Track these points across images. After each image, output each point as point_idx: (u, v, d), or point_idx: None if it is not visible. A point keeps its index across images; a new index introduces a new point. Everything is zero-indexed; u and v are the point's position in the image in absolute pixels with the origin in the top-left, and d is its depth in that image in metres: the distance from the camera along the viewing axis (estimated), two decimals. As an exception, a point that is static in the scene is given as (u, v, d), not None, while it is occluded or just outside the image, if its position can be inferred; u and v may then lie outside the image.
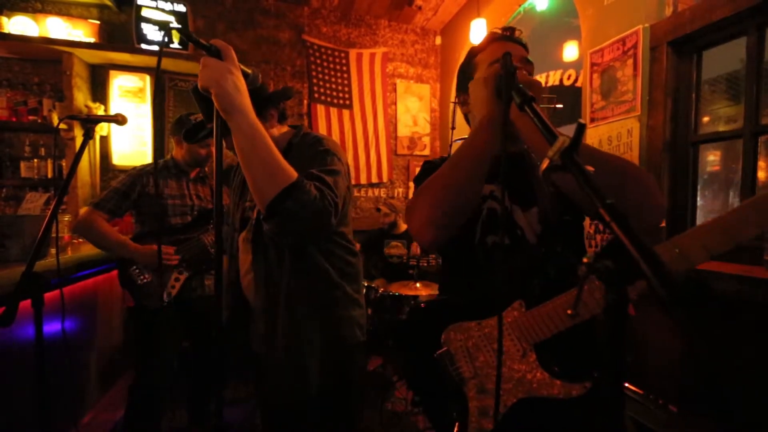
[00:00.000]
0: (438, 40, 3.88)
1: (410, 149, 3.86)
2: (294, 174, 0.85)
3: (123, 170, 2.86)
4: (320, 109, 3.47)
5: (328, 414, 1.11)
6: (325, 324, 1.07)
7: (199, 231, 1.79)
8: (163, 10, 2.79)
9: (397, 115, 3.79)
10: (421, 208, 0.78)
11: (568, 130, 0.47)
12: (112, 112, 2.87)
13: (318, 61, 3.46)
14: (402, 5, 3.44)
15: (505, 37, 0.87)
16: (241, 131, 0.79)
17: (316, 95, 3.46)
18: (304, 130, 1.13)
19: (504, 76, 0.59)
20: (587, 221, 1.98)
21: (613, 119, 1.94)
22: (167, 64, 2.94)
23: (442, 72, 3.91)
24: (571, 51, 3.18)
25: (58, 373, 1.57)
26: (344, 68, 3.55)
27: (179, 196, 1.80)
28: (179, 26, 0.70)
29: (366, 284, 2.41)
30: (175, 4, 2.83)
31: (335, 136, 3.49)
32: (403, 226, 2.99)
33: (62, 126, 1.50)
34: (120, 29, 2.90)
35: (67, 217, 2.43)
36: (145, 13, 2.74)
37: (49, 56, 2.69)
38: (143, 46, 2.75)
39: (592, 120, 2.05)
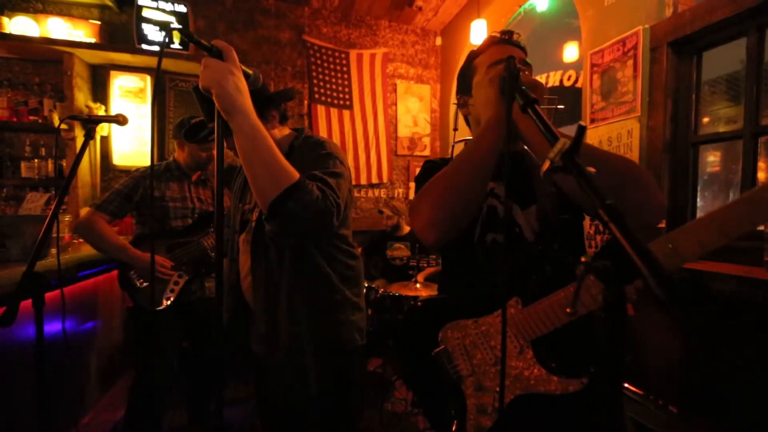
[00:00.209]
0: (438, 41, 3.88)
1: (410, 150, 3.86)
2: (296, 174, 0.85)
3: (123, 170, 2.88)
4: (320, 109, 3.48)
5: (327, 414, 1.11)
6: (325, 327, 1.07)
7: (199, 234, 1.79)
8: (163, 11, 2.79)
9: (397, 115, 3.79)
10: (424, 208, 0.79)
11: (568, 131, 0.47)
12: (113, 112, 2.87)
13: (318, 62, 3.46)
14: (402, 6, 3.44)
15: (503, 41, 0.88)
16: (242, 132, 0.79)
17: (317, 96, 3.46)
18: (305, 133, 1.13)
19: (507, 78, 0.60)
20: (587, 222, 1.98)
21: (613, 120, 1.94)
22: (168, 64, 2.94)
23: (442, 72, 3.91)
24: (571, 52, 3.19)
25: (58, 373, 1.57)
26: (344, 69, 3.55)
27: (180, 198, 1.80)
28: (180, 27, 0.70)
29: (366, 285, 2.41)
30: (175, 5, 2.84)
31: (335, 137, 3.50)
32: (406, 229, 2.98)
33: (63, 126, 1.50)
34: (121, 29, 2.90)
35: (67, 218, 2.43)
36: (145, 13, 2.75)
37: (49, 56, 2.69)
38: (144, 46, 2.75)
39: (593, 121, 2.06)
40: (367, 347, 1.20)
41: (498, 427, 0.75)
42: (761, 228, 1.48)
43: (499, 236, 0.85)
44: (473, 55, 0.91)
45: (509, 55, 0.64)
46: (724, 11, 1.51)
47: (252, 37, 3.31)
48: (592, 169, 0.41)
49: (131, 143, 2.99)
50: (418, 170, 0.98)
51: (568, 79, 2.91)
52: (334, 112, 3.52)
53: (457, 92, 0.97)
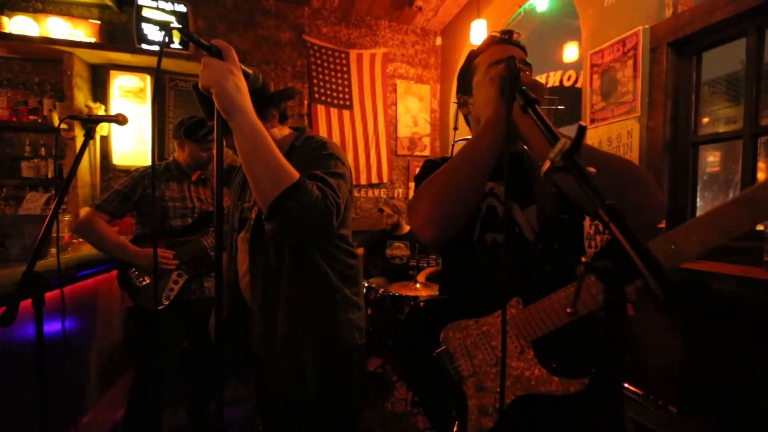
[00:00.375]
0: (438, 41, 3.88)
1: (410, 150, 3.86)
2: (296, 174, 0.85)
3: (123, 170, 2.87)
4: (320, 109, 3.48)
5: (327, 414, 1.11)
6: (324, 326, 1.07)
7: (199, 234, 1.79)
8: (163, 11, 2.79)
9: (397, 115, 3.79)
10: (423, 205, 0.79)
11: (568, 131, 0.47)
12: (113, 112, 2.87)
13: (318, 62, 3.46)
14: (402, 6, 3.44)
15: (503, 40, 0.88)
16: (242, 132, 0.79)
17: (317, 95, 3.46)
18: (306, 133, 1.13)
19: (508, 78, 0.60)
20: (587, 221, 1.98)
21: (613, 120, 1.94)
22: (168, 64, 2.94)
23: (442, 72, 3.91)
24: (571, 52, 3.19)
25: (58, 373, 1.57)
26: (344, 69, 3.55)
27: (180, 198, 1.80)
28: (180, 26, 0.70)
29: (366, 284, 2.41)
30: (175, 5, 2.84)
31: (335, 137, 3.50)
32: (407, 227, 2.98)
33: (63, 126, 1.50)
34: (121, 29, 2.90)
35: (67, 217, 2.43)
36: (145, 13, 2.75)
37: (49, 56, 2.69)
38: (144, 46, 2.75)
39: (592, 121, 2.06)
40: (367, 347, 1.20)
41: (499, 427, 0.75)
42: (761, 228, 1.48)
43: (499, 236, 0.85)
44: (473, 55, 0.92)
45: (510, 55, 0.64)
46: (724, 12, 1.51)
47: (252, 37, 3.31)
48: (592, 169, 0.41)
49: (131, 143, 2.99)
50: (417, 170, 0.99)
51: (568, 79, 2.91)
52: (334, 112, 3.52)
53: (457, 92, 0.97)
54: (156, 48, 2.76)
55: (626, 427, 0.83)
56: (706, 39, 1.66)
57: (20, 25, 2.58)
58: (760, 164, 1.59)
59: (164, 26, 0.71)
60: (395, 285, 2.44)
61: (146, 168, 1.79)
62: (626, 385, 1.60)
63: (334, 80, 3.52)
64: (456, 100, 0.98)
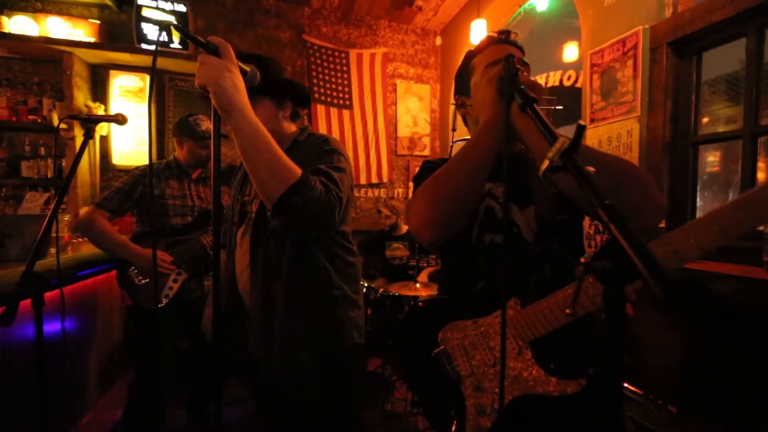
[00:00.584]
0: (438, 41, 3.88)
1: (410, 150, 3.86)
2: (298, 170, 0.85)
3: (123, 170, 2.87)
4: (320, 109, 3.48)
5: (327, 414, 1.11)
6: (324, 324, 1.07)
7: (198, 232, 1.79)
8: (163, 10, 2.79)
9: (397, 115, 3.79)
10: (421, 207, 0.79)
11: (567, 131, 0.47)
12: (112, 111, 2.87)
13: (318, 62, 3.46)
14: (402, 6, 3.44)
15: (501, 40, 0.88)
16: (241, 130, 0.79)
17: (317, 95, 3.46)
18: (309, 131, 1.14)
19: (506, 77, 0.59)
20: (587, 222, 1.98)
21: (613, 120, 1.94)
22: (167, 63, 2.94)
23: (442, 72, 3.91)
24: (571, 52, 3.18)
25: (58, 373, 1.57)
26: (344, 68, 3.55)
27: (180, 196, 1.80)
28: (176, 23, 0.69)
29: (366, 284, 2.41)
30: (175, 4, 2.84)
31: (335, 137, 3.49)
32: (404, 228, 2.99)
33: (62, 126, 1.50)
34: (120, 29, 2.90)
35: (67, 217, 2.42)
36: (145, 13, 2.75)
37: (49, 56, 2.69)
38: (143, 45, 2.75)
39: (592, 121, 2.06)
40: (367, 347, 1.20)
41: (497, 427, 0.75)
42: (761, 228, 1.48)
43: (498, 237, 0.85)
44: (471, 55, 0.91)
45: (508, 54, 0.64)
46: (724, 12, 1.51)
47: (252, 37, 3.31)
48: (591, 169, 0.41)
49: (131, 143, 2.99)
50: (417, 170, 0.99)
51: (568, 79, 2.91)
52: (333, 111, 3.52)
53: (455, 92, 0.96)
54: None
55: (626, 427, 0.83)
56: (706, 39, 1.66)
57: (20, 24, 2.58)
58: (760, 164, 1.58)
59: (164, 26, 0.70)
60: (395, 285, 2.44)
61: (147, 166, 1.79)
62: (626, 384, 1.60)
63: (333, 80, 3.52)
64: (454, 101, 0.97)
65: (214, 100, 0.74)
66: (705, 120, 2.03)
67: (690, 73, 1.75)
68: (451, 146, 2.98)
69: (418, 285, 2.36)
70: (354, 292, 1.14)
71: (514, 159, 0.89)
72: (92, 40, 2.71)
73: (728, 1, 1.49)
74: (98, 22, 2.79)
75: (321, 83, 3.47)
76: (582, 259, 0.39)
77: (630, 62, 1.84)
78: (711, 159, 2.94)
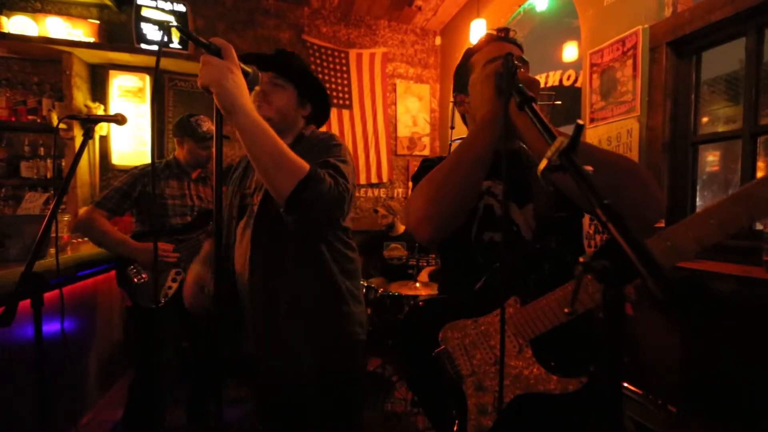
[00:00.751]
0: (438, 41, 3.88)
1: (410, 149, 3.86)
2: (305, 165, 0.87)
3: (122, 170, 2.87)
4: (320, 109, 3.47)
5: (328, 412, 1.11)
6: (328, 320, 1.07)
7: (198, 231, 1.79)
8: (162, 10, 2.79)
9: (396, 115, 3.79)
10: (418, 204, 0.79)
11: (567, 131, 0.47)
12: (112, 111, 2.87)
13: (318, 62, 3.46)
14: (402, 6, 3.44)
15: (500, 38, 0.87)
16: (245, 130, 0.79)
17: (316, 95, 3.46)
18: (313, 128, 1.18)
19: (505, 75, 0.59)
20: (587, 220, 1.98)
21: (612, 120, 1.94)
22: (167, 63, 2.94)
23: (441, 72, 3.91)
24: (570, 51, 3.18)
25: (58, 373, 1.57)
26: (344, 68, 3.55)
27: (180, 196, 1.80)
28: (178, 25, 0.69)
29: (365, 284, 2.41)
30: (174, 4, 2.83)
31: (335, 136, 3.50)
32: (401, 228, 2.98)
33: (62, 126, 1.50)
34: (120, 29, 2.90)
35: (66, 217, 2.43)
36: (145, 12, 2.74)
37: (48, 56, 2.69)
38: (143, 45, 2.75)
39: (592, 120, 2.06)
40: (367, 347, 1.20)
41: (499, 426, 0.75)
42: (760, 227, 1.48)
43: (497, 235, 0.85)
44: (470, 53, 0.91)
45: (507, 52, 0.63)
46: (723, 11, 1.51)
47: (252, 37, 3.31)
48: (589, 168, 0.41)
49: (130, 143, 2.99)
50: (416, 169, 0.99)
51: (568, 78, 2.90)
52: (333, 111, 3.52)
53: (454, 90, 0.96)
54: (155, 48, 2.75)
55: (626, 426, 0.83)
56: (705, 38, 1.66)
57: (19, 24, 2.58)
58: (760, 163, 1.58)
59: (163, 26, 0.71)
60: (395, 284, 2.44)
61: (146, 166, 1.79)
62: (626, 384, 1.60)
63: (333, 80, 3.52)
64: (453, 99, 0.97)
65: (218, 101, 0.74)
66: (704, 120, 2.03)
67: (689, 72, 1.75)
68: (450, 144, 2.98)
69: (417, 284, 2.36)
70: (355, 288, 1.15)
71: (513, 156, 0.89)
72: (92, 40, 2.71)
73: (728, 0, 1.49)
74: (98, 22, 2.79)
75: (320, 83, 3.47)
76: (581, 259, 0.39)
77: (629, 62, 1.84)
78: (711, 159, 2.94)
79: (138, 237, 1.73)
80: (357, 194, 3.66)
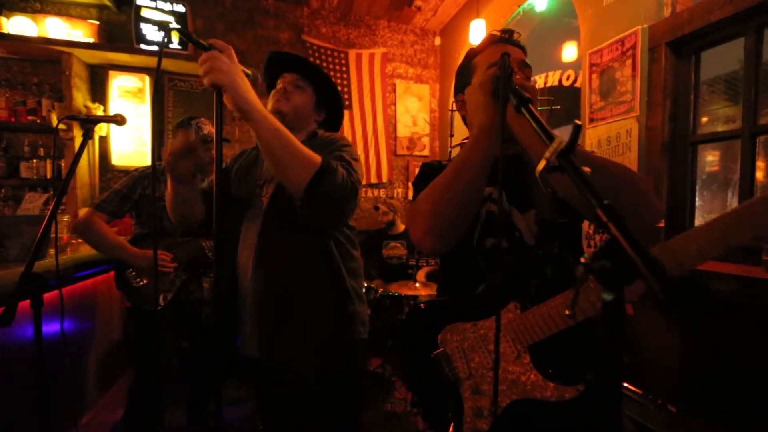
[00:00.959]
0: (437, 41, 3.88)
1: (410, 150, 3.86)
2: (318, 157, 0.89)
3: (122, 171, 2.87)
4: (320, 109, 3.48)
5: (329, 413, 1.11)
6: (333, 319, 1.07)
7: (197, 234, 1.78)
8: (162, 11, 2.79)
9: (396, 115, 3.79)
10: (421, 217, 0.78)
11: (566, 131, 0.47)
12: (112, 112, 2.87)
13: (317, 62, 3.46)
14: (401, 6, 3.44)
15: (503, 40, 0.86)
16: (262, 125, 0.82)
17: (316, 95, 3.46)
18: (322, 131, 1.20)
19: (501, 77, 0.59)
20: (586, 223, 1.98)
21: (612, 120, 1.94)
22: (167, 64, 2.94)
23: (441, 72, 3.91)
24: (570, 51, 3.18)
25: (58, 374, 1.57)
26: (344, 68, 3.55)
27: (179, 197, 1.80)
28: (179, 26, 0.69)
29: (365, 284, 2.41)
30: (174, 5, 2.83)
31: (335, 137, 3.50)
32: (402, 226, 2.98)
33: (61, 126, 1.50)
34: (119, 29, 2.90)
35: (66, 218, 2.42)
36: (144, 13, 2.74)
37: (48, 56, 2.69)
38: (142, 46, 2.75)
39: (591, 120, 2.06)
40: (367, 346, 1.20)
41: (494, 430, 0.75)
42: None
43: (498, 241, 0.85)
44: (472, 54, 0.90)
45: (503, 53, 0.63)
46: (723, 11, 1.51)
47: (251, 38, 3.31)
48: (587, 169, 0.41)
49: (130, 143, 2.98)
50: (417, 170, 0.99)
51: (567, 78, 2.91)
52: (333, 112, 3.52)
53: (455, 92, 0.95)
54: (155, 48, 2.76)
55: (625, 427, 0.83)
56: (704, 38, 1.66)
57: (19, 25, 2.58)
58: (759, 163, 1.59)
59: (163, 26, 0.71)
60: (395, 285, 2.44)
61: (146, 168, 1.78)
62: (626, 384, 1.60)
63: (333, 80, 3.52)
64: (454, 101, 0.97)
65: (233, 101, 0.76)
66: (704, 119, 2.03)
67: (689, 72, 1.75)
68: (450, 151, 2.98)
69: (417, 284, 2.36)
70: (359, 286, 1.15)
71: (515, 162, 0.88)
72: (91, 40, 2.71)
73: (727, 0, 1.49)
74: (97, 22, 2.79)
75: (320, 83, 3.47)
76: (582, 259, 0.39)
77: (629, 62, 1.84)
78: (710, 158, 2.94)
79: (137, 239, 1.72)
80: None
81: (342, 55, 3.54)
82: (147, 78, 2.98)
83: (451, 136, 3.14)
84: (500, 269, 0.82)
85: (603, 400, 0.41)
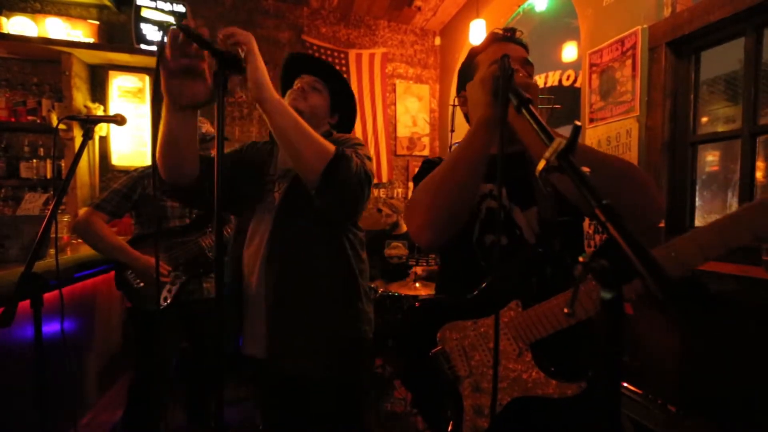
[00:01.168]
0: (437, 41, 3.88)
1: (410, 150, 3.86)
2: (332, 146, 0.91)
3: (122, 171, 2.87)
4: (320, 109, 3.48)
5: (331, 413, 1.10)
6: (343, 318, 1.06)
7: (197, 234, 1.78)
8: (162, 11, 2.79)
9: (396, 115, 3.79)
10: (418, 210, 0.79)
11: (566, 131, 0.47)
12: (112, 112, 2.87)
13: (317, 62, 3.46)
14: (401, 6, 3.44)
15: (505, 38, 0.86)
16: (277, 110, 0.83)
17: (316, 95, 3.46)
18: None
19: (501, 77, 0.59)
20: (587, 221, 1.98)
21: (612, 120, 1.94)
22: (167, 64, 2.93)
23: (441, 72, 3.91)
24: (570, 51, 3.18)
25: (58, 374, 1.57)
26: (344, 69, 3.55)
27: (179, 197, 1.79)
28: (184, 26, 0.67)
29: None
30: (174, 5, 2.84)
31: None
32: (405, 227, 2.99)
33: (61, 126, 1.50)
34: (119, 29, 2.90)
35: (66, 218, 2.43)
36: (144, 13, 2.75)
37: (48, 56, 2.69)
38: (142, 46, 2.75)
39: (591, 120, 2.06)
40: (373, 345, 1.20)
41: (494, 428, 0.75)
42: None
43: (497, 238, 0.85)
44: (474, 53, 0.90)
45: (503, 54, 0.63)
46: (723, 11, 1.51)
47: (251, 37, 3.31)
48: (586, 169, 0.41)
49: (130, 143, 2.98)
50: (417, 170, 0.99)
51: (567, 78, 2.91)
52: (333, 112, 3.52)
53: (458, 89, 0.95)
54: (155, 48, 2.75)
55: (625, 427, 0.83)
56: (704, 38, 1.66)
57: (19, 25, 2.58)
58: (759, 163, 1.59)
59: (164, 27, 0.70)
60: (395, 284, 2.44)
61: (146, 168, 1.78)
62: (625, 384, 1.60)
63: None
64: (455, 100, 0.97)
65: (251, 77, 0.76)
66: (704, 119, 2.03)
67: (689, 72, 1.75)
68: (450, 148, 2.98)
69: (417, 284, 2.36)
70: (367, 286, 1.16)
71: (517, 160, 0.88)
72: (91, 40, 2.71)
73: (726, 0, 1.49)
74: (97, 22, 2.79)
75: (320, 83, 3.47)
76: (581, 258, 0.39)
77: (629, 62, 1.84)
78: (710, 158, 2.93)
79: (137, 240, 1.72)
80: (357, 194, 3.66)
81: (342, 55, 3.54)
82: (147, 78, 2.98)
83: (452, 131, 3.13)
84: (501, 267, 0.81)
85: (603, 398, 0.41)
